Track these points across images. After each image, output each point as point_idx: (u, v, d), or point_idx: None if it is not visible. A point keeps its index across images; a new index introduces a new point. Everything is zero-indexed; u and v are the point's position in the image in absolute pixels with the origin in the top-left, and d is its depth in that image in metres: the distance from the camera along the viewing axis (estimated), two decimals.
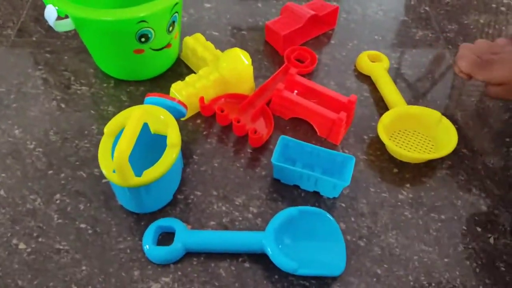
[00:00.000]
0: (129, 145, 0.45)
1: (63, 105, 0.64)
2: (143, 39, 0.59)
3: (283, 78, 0.69)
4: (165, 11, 0.58)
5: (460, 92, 0.71)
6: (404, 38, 0.79)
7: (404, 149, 0.61)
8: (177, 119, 0.57)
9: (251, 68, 0.65)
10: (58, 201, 0.54)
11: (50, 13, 0.54)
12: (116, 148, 0.44)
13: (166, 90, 0.66)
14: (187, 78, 0.63)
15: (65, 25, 0.58)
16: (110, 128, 0.50)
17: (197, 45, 0.67)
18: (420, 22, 0.82)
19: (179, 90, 0.61)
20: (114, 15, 0.53)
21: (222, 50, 0.69)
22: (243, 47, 0.74)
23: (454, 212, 0.56)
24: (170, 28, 0.61)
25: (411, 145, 0.62)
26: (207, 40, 0.69)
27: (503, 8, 0.87)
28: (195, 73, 0.69)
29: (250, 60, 0.64)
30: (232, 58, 0.63)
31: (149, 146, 0.53)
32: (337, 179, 0.55)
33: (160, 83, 0.68)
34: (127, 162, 0.45)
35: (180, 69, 0.70)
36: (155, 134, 0.52)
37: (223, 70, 0.63)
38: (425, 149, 0.61)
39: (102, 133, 0.50)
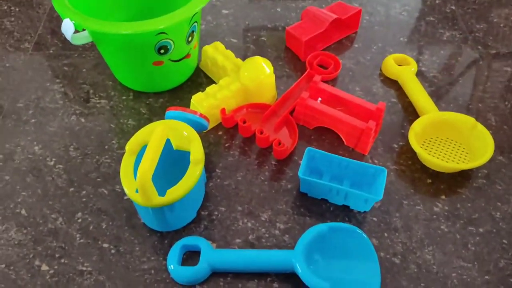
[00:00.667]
0: (152, 164, 0.43)
1: (82, 120, 0.63)
2: (162, 51, 0.57)
3: (306, 85, 0.66)
4: (185, 22, 0.56)
5: (493, 95, 0.67)
6: (431, 39, 0.75)
7: (437, 158, 0.58)
8: (199, 132, 0.55)
9: (273, 77, 0.63)
10: (80, 220, 0.53)
11: (67, 27, 0.52)
12: (139, 168, 0.42)
13: (186, 101, 0.64)
14: (208, 89, 0.61)
15: (82, 38, 0.56)
16: (131, 145, 0.48)
17: (216, 54, 0.65)
18: (446, 22, 0.78)
19: (200, 101, 0.59)
20: (133, 28, 0.51)
21: (242, 57, 0.68)
22: (263, 53, 0.72)
23: (493, 224, 0.53)
24: (190, 38, 0.60)
25: (444, 154, 0.58)
26: (226, 47, 0.67)
27: None
28: (215, 82, 0.67)
29: (272, 68, 0.62)
30: (253, 67, 0.61)
31: (171, 162, 0.51)
32: (368, 192, 0.53)
33: (180, 94, 0.66)
34: (151, 182, 0.43)
35: (199, 79, 0.68)
36: (177, 150, 0.50)
37: (245, 80, 0.61)
38: (459, 157, 0.58)
39: (122, 148, 0.49)
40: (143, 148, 0.48)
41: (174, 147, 0.49)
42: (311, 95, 0.61)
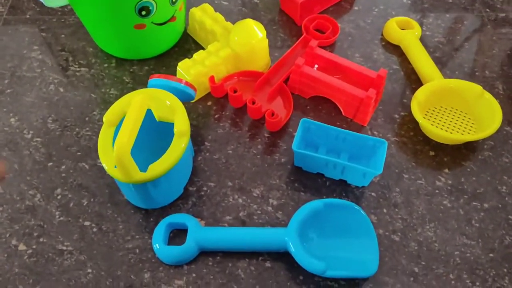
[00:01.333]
0: (130, 136, 0.39)
1: (61, 89, 0.58)
2: (143, 12, 0.52)
3: (302, 51, 0.62)
4: None
5: (501, 61, 0.63)
6: (436, 2, 0.70)
7: (441, 129, 0.54)
8: (185, 103, 0.51)
9: (266, 41, 0.58)
10: (59, 197, 0.49)
11: None
12: (116, 141, 0.39)
13: (172, 69, 0.60)
14: (195, 55, 0.56)
15: (57, 0, 0.51)
16: (109, 116, 0.44)
17: (205, 17, 0.60)
18: None
19: (187, 69, 0.55)
20: None
21: (233, 21, 0.62)
22: (255, 17, 0.67)
23: (498, 199, 0.50)
24: None
25: (449, 124, 0.55)
26: (216, 10, 0.62)
27: None
28: (203, 48, 0.63)
29: (265, 32, 0.57)
30: (244, 31, 0.56)
31: (154, 134, 0.48)
32: (367, 165, 0.49)
33: (166, 61, 0.61)
34: (129, 156, 0.39)
35: (187, 44, 0.64)
36: (161, 122, 0.46)
37: (235, 45, 0.56)
38: (465, 128, 0.55)
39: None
40: (123, 119, 0.44)
41: (157, 118, 0.45)
42: (307, 61, 0.57)
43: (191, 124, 0.55)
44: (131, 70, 0.60)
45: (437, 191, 0.50)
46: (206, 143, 0.54)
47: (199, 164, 0.52)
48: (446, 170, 0.52)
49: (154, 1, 0.51)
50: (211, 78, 0.55)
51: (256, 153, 0.53)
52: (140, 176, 0.41)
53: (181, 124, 0.44)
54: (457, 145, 0.54)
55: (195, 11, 0.61)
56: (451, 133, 0.54)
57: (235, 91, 0.55)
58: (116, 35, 0.57)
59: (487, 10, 0.69)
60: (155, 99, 0.45)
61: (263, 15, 0.67)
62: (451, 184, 0.51)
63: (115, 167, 0.41)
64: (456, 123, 0.55)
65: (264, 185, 0.51)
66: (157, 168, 0.42)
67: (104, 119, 0.44)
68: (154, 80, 0.48)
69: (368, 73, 0.56)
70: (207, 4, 0.62)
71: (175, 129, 0.44)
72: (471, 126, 0.55)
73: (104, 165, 0.42)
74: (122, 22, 0.53)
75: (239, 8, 0.68)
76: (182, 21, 0.62)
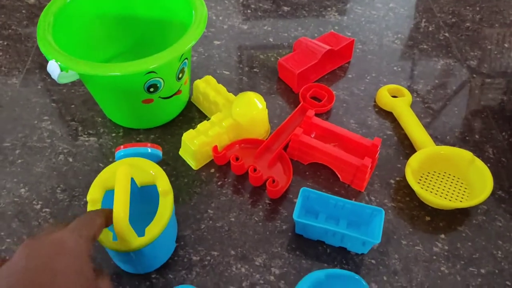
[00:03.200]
0: (125, 209, 0.41)
1: (70, 159, 0.61)
2: (152, 89, 0.55)
3: (300, 118, 0.65)
4: (175, 60, 0.55)
5: (490, 125, 0.66)
6: (425, 68, 0.74)
7: (435, 195, 0.56)
8: (189, 171, 0.54)
9: (266, 112, 0.62)
10: None
11: (53, 68, 0.51)
12: (114, 218, 0.41)
13: (177, 137, 0.63)
14: (199, 126, 0.59)
15: (69, 77, 0.55)
16: (92, 195, 0.46)
17: (208, 89, 0.64)
18: (440, 49, 0.78)
19: (191, 139, 0.58)
20: (121, 70, 0.50)
21: (234, 90, 0.66)
22: (255, 85, 0.71)
23: (494, 264, 0.51)
24: (180, 75, 0.58)
25: (442, 189, 0.57)
26: (218, 80, 0.66)
27: None
28: (206, 116, 0.66)
29: (265, 103, 0.61)
30: (245, 103, 0.60)
31: (135, 200, 0.49)
32: (365, 232, 0.51)
33: (171, 129, 0.64)
34: (129, 226, 0.41)
35: (191, 113, 0.67)
36: (136, 187, 0.48)
37: (237, 115, 0.60)
38: (458, 193, 0.57)
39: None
40: (105, 194, 0.47)
41: (139, 185, 0.48)
42: (304, 130, 0.60)
43: (194, 192, 0.58)
44: (138, 138, 0.63)
45: (434, 257, 0.52)
46: (209, 210, 0.56)
47: (203, 232, 0.54)
48: (443, 236, 0.54)
49: (162, 79, 0.55)
50: (215, 148, 0.58)
51: (258, 220, 0.55)
52: (140, 241, 0.43)
53: (163, 183, 0.47)
54: (451, 210, 0.56)
55: (199, 83, 0.65)
56: (445, 199, 0.56)
57: (237, 159, 0.58)
58: (125, 109, 0.60)
59: (474, 75, 0.74)
60: (134, 167, 0.47)
61: (262, 84, 0.71)
62: (448, 250, 0.53)
63: (114, 239, 0.43)
64: (449, 189, 0.57)
65: (266, 253, 0.52)
66: (154, 229, 0.44)
67: (88, 198, 0.46)
68: (123, 151, 0.49)
69: (363, 141, 0.59)
70: (210, 76, 0.65)
71: (159, 189, 0.46)
72: (464, 191, 0.57)
73: (102, 243, 0.44)
74: (131, 98, 0.57)
75: (239, 77, 0.72)
76: (187, 92, 0.66)
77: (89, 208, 0.46)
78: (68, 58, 0.51)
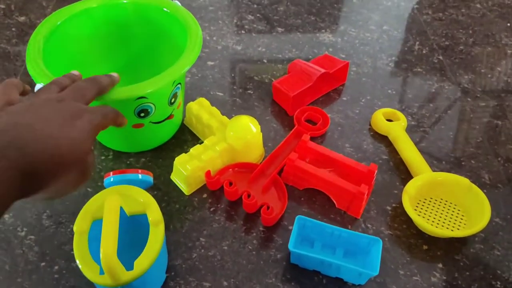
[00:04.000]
0: (114, 244, 0.40)
1: None
2: (142, 114, 0.54)
3: (295, 142, 0.64)
4: (167, 86, 0.53)
5: (486, 151, 0.66)
6: (419, 92, 0.74)
7: (432, 223, 0.55)
8: (180, 196, 0.52)
9: (260, 135, 0.61)
10: None
11: None
12: (102, 253, 0.39)
13: (168, 160, 0.61)
14: (192, 150, 0.58)
15: None
16: (79, 226, 0.44)
17: (201, 111, 0.62)
18: (434, 72, 0.78)
19: (183, 164, 0.56)
20: (110, 95, 0.48)
21: (228, 112, 0.65)
22: (249, 107, 0.70)
23: None
24: (172, 100, 0.57)
25: (439, 217, 0.56)
26: (211, 101, 0.64)
27: None
28: (199, 139, 0.65)
29: (259, 127, 0.60)
30: (239, 127, 0.59)
31: (123, 229, 0.47)
32: (363, 263, 0.50)
33: (162, 153, 0.63)
34: (117, 261, 0.39)
35: (183, 136, 0.65)
36: (124, 214, 0.46)
37: (231, 139, 0.58)
38: (455, 220, 0.56)
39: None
40: (93, 223, 0.45)
41: (128, 214, 0.46)
42: (299, 155, 0.59)
43: (186, 219, 0.56)
44: (128, 162, 0.62)
45: (432, 287, 0.51)
46: (201, 238, 0.54)
47: (194, 262, 0.52)
48: (440, 265, 0.53)
49: (153, 104, 0.54)
50: (208, 173, 0.57)
51: (252, 249, 0.53)
52: (128, 276, 0.41)
53: (154, 213, 0.45)
54: (449, 238, 0.55)
55: (192, 105, 0.64)
56: (442, 227, 0.55)
57: (230, 184, 0.56)
58: (114, 133, 0.58)
59: (469, 99, 0.74)
60: (124, 196, 0.45)
61: (256, 106, 0.70)
62: (446, 280, 0.51)
63: (101, 273, 0.41)
64: (446, 216, 0.56)
65: (260, 284, 0.50)
66: (144, 262, 0.42)
67: (75, 229, 0.44)
68: (112, 177, 0.47)
69: (359, 167, 0.58)
70: (203, 99, 0.64)
71: (149, 219, 0.45)
72: (462, 218, 0.56)
73: (88, 277, 0.41)
74: None
75: (233, 99, 0.71)
76: (180, 116, 0.65)
77: (76, 238, 0.44)
78: None
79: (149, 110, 0.54)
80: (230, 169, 0.60)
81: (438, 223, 0.55)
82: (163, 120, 0.58)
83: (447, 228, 0.55)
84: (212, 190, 0.59)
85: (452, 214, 0.57)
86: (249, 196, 0.55)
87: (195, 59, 0.54)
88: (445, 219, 0.56)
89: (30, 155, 0.31)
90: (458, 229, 0.55)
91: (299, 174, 0.58)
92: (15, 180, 0.30)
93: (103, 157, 0.62)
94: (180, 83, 0.57)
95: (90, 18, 0.61)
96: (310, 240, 0.53)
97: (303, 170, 0.57)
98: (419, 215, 0.56)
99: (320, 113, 0.68)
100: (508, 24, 0.90)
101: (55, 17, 0.58)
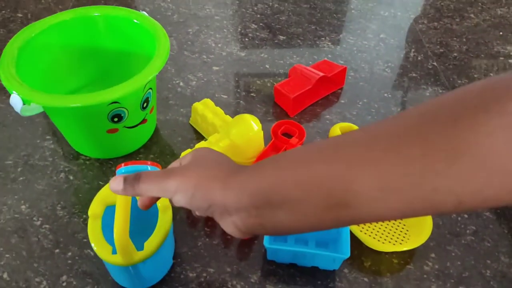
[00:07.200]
0: (126, 225, 0.43)
1: (71, 177, 0.63)
2: (116, 119, 0.57)
3: (272, 154, 0.66)
4: (138, 90, 0.56)
5: None
6: (414, 96, 0.78)
7: (375, 237, 0.56)
8: None
9: (261, 133, 0.64)
10: (64, 284, 0.51)
11: (15, 101, 0.51)
12: (115, 232, 0.42)
13: (176, 157, 0.65)
14: (197, 146, 0.61)
15: (33, 109, 0.53)
16: (93, 210, 0.48)
17: (206, 111, 0.66)
18: (429, 78, 0.82)
19: None
20: (82, 101, 0.51)
21: (232, 113, 0.69)
22: (252, 109, 0.73)
23: (483, 283, 0.53)
24: (144, 105, 0.60)
25: (383, 231, 0.57)
26: (216, 103, 0.68)
27: (511, 61, 0.87)
28: (204, 137, 0.68)
29: (260, 125, 0.63)
30: (242, 125, 0.62)
31: (134, 216, 0.51)
32: (334, 249, 0.52)
33: (171, 149, 0.66)
34: (129, 241, 0.43)
35: (190, 135, 0.69)
36: (135, 203, 0.49)
37: (234, 137, 0.62)
38: (399, 235, 0.56)
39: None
40: (106, 209, 0.48)
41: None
42: None
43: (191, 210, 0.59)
44: (138, 158, 0.65)
45: (425, 276, 0.53)
46: (206, 228, 0.57)
47: (199, 249, 0.55)
48: (433, 255, 0.55)
49: (126, 109, 0.56)
50: None
51: (253, 238, 0.56)
52: (139, 255, 0.44)
53: (162, 199, 0.48)
54: (441, 230, 0.58)
55: (198, 105, 0.67)
56: (389, 242, 0.55)
57: None
58: (90, 139, 0.61)
59: None
60: None
61: (258, 108, 0.74)
62: (438, 269, 0.54)
63: (113, 252, 0.44)
64: (390, 231, 0.57)
65: (262, 270, 0.53)
66: (153, 243, 0.45)
67: (90, 213, 0.47)
68: (122, 168, 0.51)
69: None
70: (208, 99, 0.68)
71: (158, 205, 0.48)
72: (405, 233, 0.57)
73: (102, 257, 0.45)
74: (96, 129, 0.59)
75: (237, 101, 0.75)
76: (154, 121, 0.68)
77: (91, 222, 0.47)
78: (30, 90, 0.52)
79: (122, 114, 0.57)
80: None
81: (381, 236, 0.56)
82: (137, 125, 0.61)
83: (389, 242, 0.56)
84: None
85: (395, 230, 0.57)
86: None
87: (163, 65, 0.56)
88: (388, 234, 0.57)
89: None
90: (400, 243, 0.55)
91: None
92: None
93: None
94: (151, 88, 0.60)
95: (63, 31, 0.64)
96: (283, 236, 0.56)
97: None
98: (361, 230, 0.57)
99: (296, 126, 0.70)
100: (501, 33, 0.94)
101: (30, 29, 0.61)
